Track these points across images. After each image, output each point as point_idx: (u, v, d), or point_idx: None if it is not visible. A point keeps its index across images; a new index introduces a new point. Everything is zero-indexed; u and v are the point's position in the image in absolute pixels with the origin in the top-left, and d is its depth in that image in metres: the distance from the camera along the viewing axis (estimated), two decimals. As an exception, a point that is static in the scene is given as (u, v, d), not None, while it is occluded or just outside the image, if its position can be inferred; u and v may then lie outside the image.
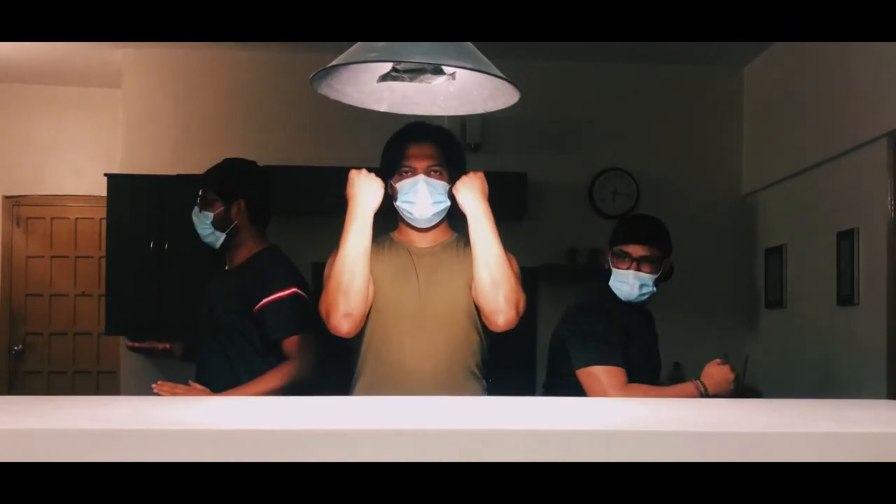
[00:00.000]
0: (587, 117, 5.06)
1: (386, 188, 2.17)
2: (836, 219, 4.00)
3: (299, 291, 2.54)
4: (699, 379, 2.44)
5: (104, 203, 4.76)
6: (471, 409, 1.55)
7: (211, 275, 2.75)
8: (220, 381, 2.46)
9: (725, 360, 2.46)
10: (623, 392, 2.36)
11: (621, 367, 2.42)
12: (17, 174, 5.66)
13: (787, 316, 4.54)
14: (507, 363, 2.60)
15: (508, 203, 4.51)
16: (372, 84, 1.81)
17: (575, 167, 5.02)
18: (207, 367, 2.59)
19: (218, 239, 2.63)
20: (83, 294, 5.76)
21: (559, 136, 5.04)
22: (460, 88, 1.83)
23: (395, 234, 2.30)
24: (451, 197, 2.19)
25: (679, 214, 3.95)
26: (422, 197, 2.17)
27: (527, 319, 2.17)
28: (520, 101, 1.76)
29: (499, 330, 2.14)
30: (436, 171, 2.19)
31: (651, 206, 2.75)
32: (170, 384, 2.38)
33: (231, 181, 2.65)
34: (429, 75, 1.75)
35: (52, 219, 5.78)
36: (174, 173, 4.60)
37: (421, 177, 2.17)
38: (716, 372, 2.44)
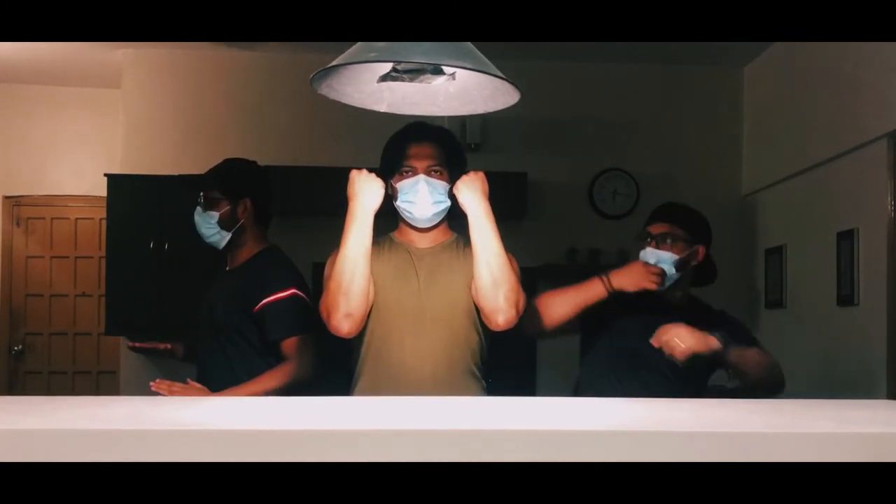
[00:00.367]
0: (587, 117, 5.06)
1: (386, 188, 2.17)
2: (836, 219, 4.00)
3: (299, 292, 2.54)
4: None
5: (104, 203, 4.77)
6: (471, 410, 1.55)
7: (211, 275, 2.76)
8: (219, 381, 2.46)
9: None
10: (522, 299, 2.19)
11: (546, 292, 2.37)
12: (17, 174, 5.66)
13: (787, 316, 4.54)
14: (507, 363, 2.60)
15: (508, 203, 4.51)
16: (372, 84, 1.81)
17: (575, 167, 5.02)
18: (207, 367, 2.60)
19: (223, 238, 2.63)
20: (83, 294, 5.76)
21: (559, 136, 5.05)
22: (460, 88, 1.83)
23: (396, 235, 2.30)
24: (452, 197, 2.19)
25: (679, 214, 3.95)
26: (422, 197, 2.17)
27: (526, 320, 2.17)
28: (520, 101, 1.76)
29: (499, 329, 2.14)
30: (436, 171, 2.19)
31: (651, 207, 2.74)
32: (167, 382, 2.38)
33: (236, 180, 2.65)
34: (429, 75, 1.75)
35: (52, 219, 5.78)
36: (174, 173, 4.60)
37: (421, 177, 2.17)
38: (634, 269, 2.34)
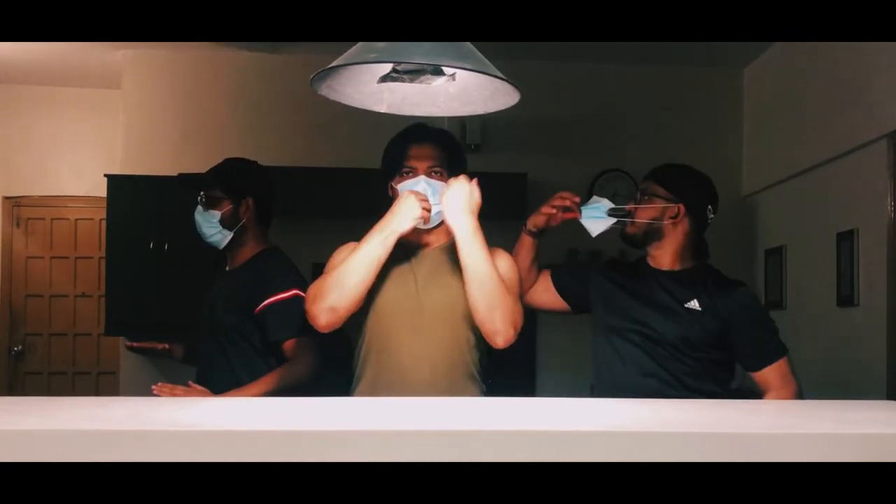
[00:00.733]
0: (587, 117, 5.05)
1: (388, 191, 2.17)
2: (836, 219, 3.99)
3: (300, 293, 2.53)
4: None
5: (104, 203, 4.76)
6: (471, 410, 1.55)
7: (211, 275, 2.75)
8: (220, 382, 2.46)
9: None
10: None
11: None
12: (17, 174, 5.66)
13: (787, 316, 4.54)
14: (506, 365, 2.59)
15: (508, 203, 4.51)
16: (372, 85, 1.82)
17: (575, 168, 5.01)
18: (207, 367, 2.59)
19: (225, 238, 2.62)
20: (83, 294, 5.76)
21: (559, 137, 5.04)
22: (460, 89, 1.83)
23: (395, 235, 2.29)
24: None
25: (679, 215, 3.95)
26: (422, 197, 2.17)
27: (526, 321, 2.16)
28: (520, 101, 1.76)
29: (498, 348, 2.11)
30: (436, 172, 2.19)
31: (651, 207, 2.73)
32: (169, 385, 2.37)
33: (239, 179, 2.65)
34: (429, 76, 1.75)
35: (52, 219, 5.78)
36: (174, 173, 4.58)
37: (422, 177, 2.17)
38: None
